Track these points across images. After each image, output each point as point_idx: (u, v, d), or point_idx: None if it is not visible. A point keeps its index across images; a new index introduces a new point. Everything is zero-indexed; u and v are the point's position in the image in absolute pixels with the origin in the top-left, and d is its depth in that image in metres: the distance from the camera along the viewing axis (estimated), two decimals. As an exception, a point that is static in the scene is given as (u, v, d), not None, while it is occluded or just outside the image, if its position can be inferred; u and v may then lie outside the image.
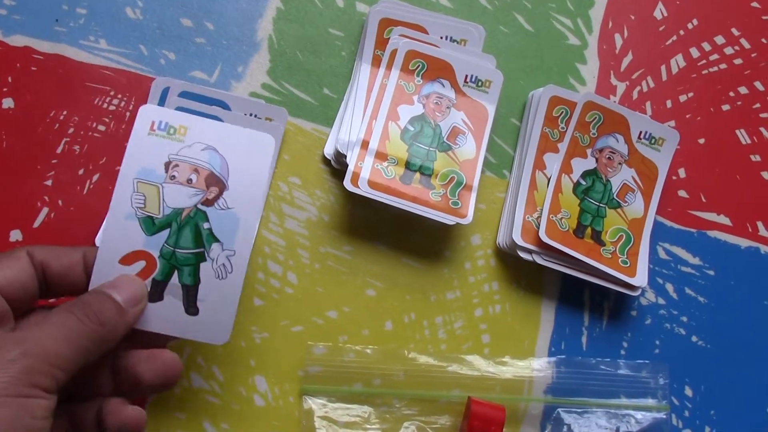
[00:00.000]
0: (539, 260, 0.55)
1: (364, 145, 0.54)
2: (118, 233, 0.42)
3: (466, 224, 0.53)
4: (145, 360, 0.40)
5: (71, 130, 0.53)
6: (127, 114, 0.54)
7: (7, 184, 0.52)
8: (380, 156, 0.54)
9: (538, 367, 0.54)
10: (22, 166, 0.52)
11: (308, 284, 0.54)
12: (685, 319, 0.58)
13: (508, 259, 0.57)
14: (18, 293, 0.38)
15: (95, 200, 0.52)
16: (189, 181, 0.43)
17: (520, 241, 0.54)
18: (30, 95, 0.54)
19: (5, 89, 0.53)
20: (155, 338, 0.42)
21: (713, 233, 0.60)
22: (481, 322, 0.55)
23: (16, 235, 0.51)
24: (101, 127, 0.54)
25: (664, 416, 0.54)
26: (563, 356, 0.55)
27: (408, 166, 0.54)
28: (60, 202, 0.52)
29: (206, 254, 0.43)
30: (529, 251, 0.55)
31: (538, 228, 0.54)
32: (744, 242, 0.60)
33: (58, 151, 0.53)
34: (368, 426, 0.50)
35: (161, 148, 0.43)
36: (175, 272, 0.42)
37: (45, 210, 0.52)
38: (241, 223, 0.43)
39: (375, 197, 0.52)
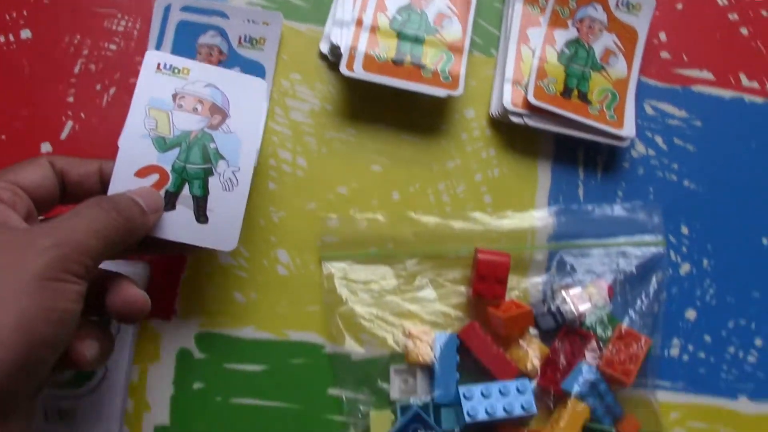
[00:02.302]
0: (530, 122, 0.58)
1: (356, 33, 0.57)
2: (134, 149, 0.46)
3: (458, 95, 0.56)
4: (112, 292, 0.40)
5: (86, 52, 0.58)
6: (135, 32, 0.59)
7: (34, 103, 0.56)
8: (372, 42, 0.57)
9: (539, 216, 0.57)
10: (45, 86, 0.57)
11: (318, 166, 0.58)
12: (675, 166, 0.61)
13: (501, 127, 0.60)
14: (42, 195, 0.42)
15: (114, 111, 0.57)
16: (195, 110, 0.48)
17: (510, 107, 0.58)
18: (45, 25, 0.58)
19: (22, 22, 0.58)
20: (169, 246, 0.45)
21: (697, 87, 0.63)
22: (482, 185, 0.59)
23: (46, 147, 0.56)
24: (113, 47, 0.58)
25: (662, 250, 0.57)
26: (563, 205, 0.58)
27: (399, 49, 0.58)
28: (82, 115, 0.57)
29: (213, 169, 0.47)
30: (520, 115, 0.58)
31: (526, 93, 0.58)
32: (728, 93, 0.63)
33: (76, 71, 0.58)
34: (384, 282, 0.54)
35: (168, 83, 0.48)
36: (186, 185, 0.46)
37: (70, 123, 0.57)
38: (243, 145, 0.48)
39: (370, 79, 0.56)
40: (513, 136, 0.60)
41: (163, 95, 0.47)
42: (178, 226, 0.46)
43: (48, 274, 0.34)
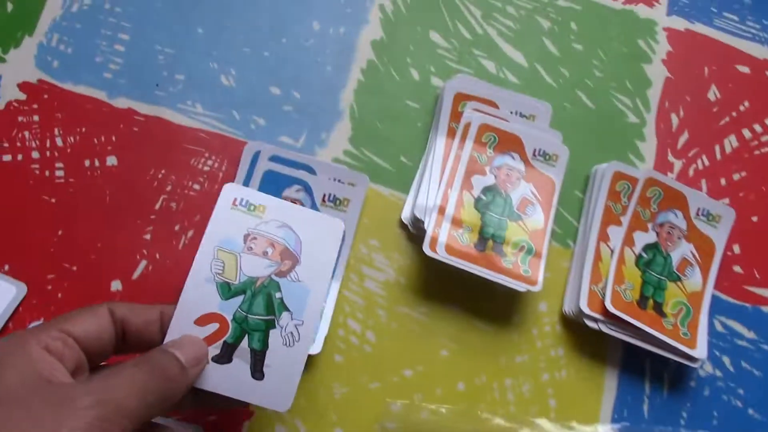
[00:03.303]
0: (605, 329, 0.57)
1: (441, 211, 0.57)
2: (196, 295, 0.44)
3: (536, 291, 0.56)
4: None
5: (169, 188, 0.57)
6: (220, 174, 0.58)
7: (110, 237, 0.55)
8: (456, 223, 0.57)
9: (603, 433, 0.56)
10: (123, 220, 0.56)
11: (386, 343, 0.56)
12: (741, 391, 0.60)
13: (572, 326, 0.59)
14: (95, 347, 0.40)
15: (190, 255, 0.55)
16: (265, 253, 0.46)
17: (586, 310, 0.57)
18: (132, 154, 0.57)
19: (110, 147, 0.57)
20: (221, 400, 0.44)
21: (767, 309, 0.63)
22: (548, 386, 0.57)
23: (116, 285, 0.54)
24: (196, 186, 0.57)
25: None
26: (627, 423, 0.57)
27: (482, 233, 0.57)
28: (157, 255, 0.55)
29: (276, 322, 0.45)
30: (595, 320, 0.57)
31: (604, 298, 0.57)
32: (797, 319, 0.63)
33: (157, 207, 0.57)
34: (442, 482, 0.53)
35: (241, 221, 0.46)
36: (246, 337, 0.44)
37: (143, 263, 0.55)
38: (311, 296, 0.45)
39: (452, 263, 0.55)
40: (583, 337, 0.59)
41: (235, 235, 0.46)
42: (231, 380, 0.43)
43: None
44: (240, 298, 0.45)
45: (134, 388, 0.37)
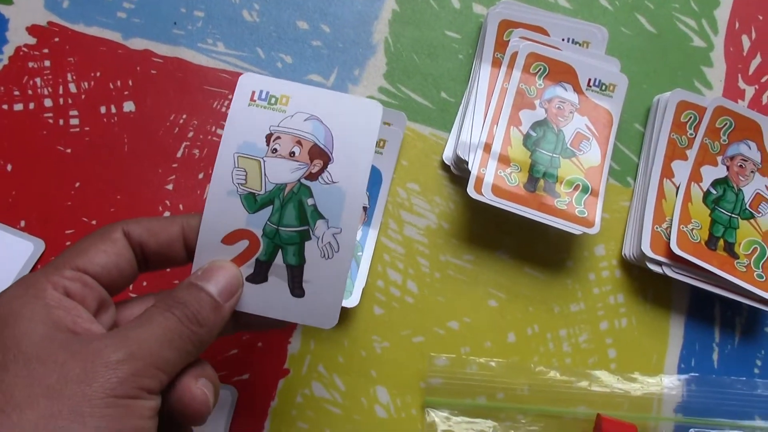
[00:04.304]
0: (670, 273, 0.52)
1: (486, 150, 0.52)
2: (220, 211, 0.39)
3: (593, 234, 0.51)
4: (174, 389, 0.36)
5: (191, 134, 0.53)
6: (246, 118, 0.54)
7: (130, 188, 0.52)
8: (503, 162, 0.52)
9: (668, 384, 0.51)
10: (144, 169, 0.52)
11: (428, 293, 0.52)
12: (823, 337, 0.55)
13: (633, 270, 0.54)
14: (116, 279, 0.37)
15: (215, 205, 0.52)
16: (291, 154, 0.40)
17: (649, 253, 0.52)
18: (150, 99, 0.54)
19: (126, 93, 0.53)
20: (261, 321, 0.40)
21: None
22: (607, 335, 0.53)
23: (139, 239, 0.51)
24: (220, 131, 0.53)
25: (806, 442, 0.51)
26: (696, 374, 0.52)
27: (532, 172, 0.52)
28: (181, 206, 0.52)
29: (311, 232, 0.39)
30: (659, 263, 0.52)
31: (668, 239, 0.52)
32: None
33: (179, 155, 0.53)
34: (492, 441, 0.49)
35: (262, 119, 0.40)
36: (280, 252, 0.40)
37: (166, 215, 0.52)
38: (347, 199, 0.39)
39: (499, 205, 0.51)
40: (645, 282, 0.54)
41: (256, 137, 0.39)
42: (269, 299, 0.39)
43: (120, 391, 0.31)
44: (268, 209, 0.40)
45: (169, 336, 0.34)
